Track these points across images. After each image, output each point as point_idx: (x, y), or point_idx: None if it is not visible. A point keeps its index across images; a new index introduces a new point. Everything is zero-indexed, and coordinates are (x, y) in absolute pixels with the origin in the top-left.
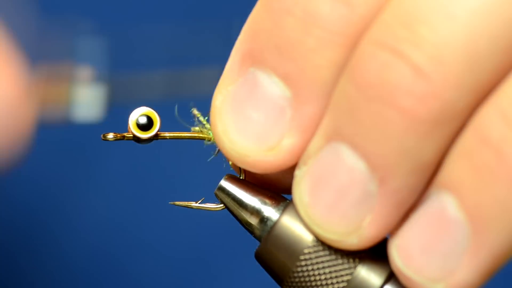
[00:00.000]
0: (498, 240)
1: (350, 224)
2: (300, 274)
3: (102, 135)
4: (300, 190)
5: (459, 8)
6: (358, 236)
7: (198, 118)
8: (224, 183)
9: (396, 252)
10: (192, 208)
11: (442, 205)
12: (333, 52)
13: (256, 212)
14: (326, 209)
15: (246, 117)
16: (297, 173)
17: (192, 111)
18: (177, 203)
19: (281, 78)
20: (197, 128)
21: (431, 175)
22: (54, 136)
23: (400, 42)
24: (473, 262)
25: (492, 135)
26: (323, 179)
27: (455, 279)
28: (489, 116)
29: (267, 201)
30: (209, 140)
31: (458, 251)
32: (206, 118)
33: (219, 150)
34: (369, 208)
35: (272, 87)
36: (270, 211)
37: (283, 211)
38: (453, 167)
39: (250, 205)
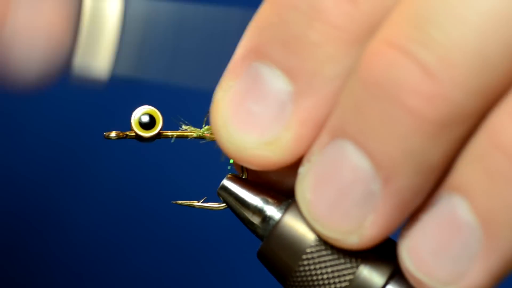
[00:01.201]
0: (510, 244)
1: (352, 223)
2: (303, 273)
3: (104, 134)
4: (303, 187)
5: (470, 11)
6: (359, 235)
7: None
8: (227, 183)
9: (407, 254)
10: (194, 207)
11: (454, 208)
12: (336, 47)
13: (258, 211)
14: (328, 207)
15: (246, 110)
16: (301, 170)
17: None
18: (179, 202)
19: (284, 71)
20: (205, 127)
21: (438, 177)
22: (55, 135)
23: (409, 41)
24: (484, 266)
25: (505, 139)
26: (326, 176)
27: (466, 282)
28: (501, 120)
29: (269, 200)
30: (212, 140)
31: (469, 254)
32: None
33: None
34: (371, 207)
35: (274, 81)
36: (272, 210)
37: (285, 210)
38: (465, 171)
39: (252, 204)
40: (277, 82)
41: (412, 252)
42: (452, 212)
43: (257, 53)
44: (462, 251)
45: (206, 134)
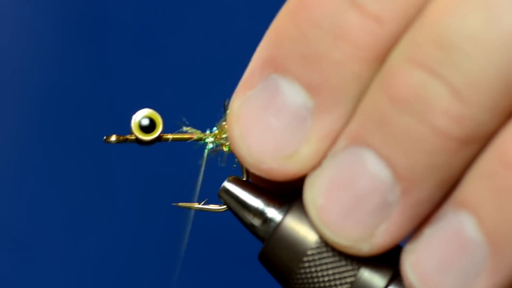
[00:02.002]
0: None
1: (364, 231)
2: (303, 275)
3: (104, 138)
4: (314, 191)
5: (492, 35)
6: (370, 243)
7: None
8: (228, 185)
9: (411, 269)
10: (195, 209)
11: (460, 224)
12: (360, 66)
13: (259, 213)
14: (341, 214)
15: (265, 123)
16: (311, 174)
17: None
18: (180, 204)
19: (305, 86)
20: (209, 132)
21: (449, 190)
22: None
23: (438, 64)
24: (489, 283)
25: None
26: (342, 182)
27: None
28: (511, 138)
29: (270, 202)
30: (213, 143)
31: (475, 271)
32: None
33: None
34: (385, 216)
35: (294, 95)
36: (273, 212)
37: (286, 212)
38: (473, 187)
39: (253, 206)
40: (296, 97)
41: (416, 268)
42: (458, 228)
43: (276, 66)
44: (468, 268)
45: (208, 136)
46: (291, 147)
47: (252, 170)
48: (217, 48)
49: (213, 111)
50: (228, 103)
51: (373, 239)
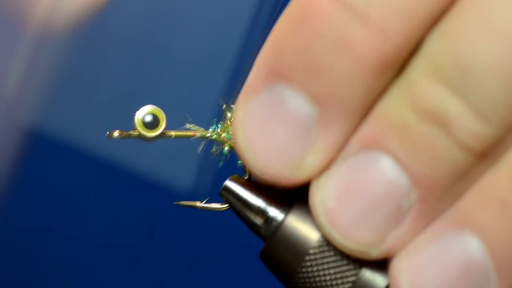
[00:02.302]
0: None
1: (375, 237)
2: (305, 274)
3: (107, 133)
4: (323, 194)
5: (507, 65)
6: (379, 249)
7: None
8: (229, 183)
9: None
10: (197, 208)
11: (466, 245)
12: (366, 77)
13: (261, 212)
14: (354, 219)
15: (271, 133)
16: (319, 176)
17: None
18: (182, 203)
19: (309, 96)
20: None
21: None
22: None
23: (458, 83)
24: None
25: None
26: (355, 186)
27: None
28: None
29: (271, 201)
30: (217, 140)
31: None
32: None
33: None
34: (397, 223)
35: (299, 105)
36: (275, 211)
37: (288, 211)
38: (479, 208)
39: (255, 205)
40: (301, 106)
41: None
42: (463, 249)
43: (280, 75)
44: None
45: (210, 134)
46: (297, 156)
47: (259, 176)
48: (221, 44)
49: (216, 108)
50: (230, 102)
51: (383, 245)
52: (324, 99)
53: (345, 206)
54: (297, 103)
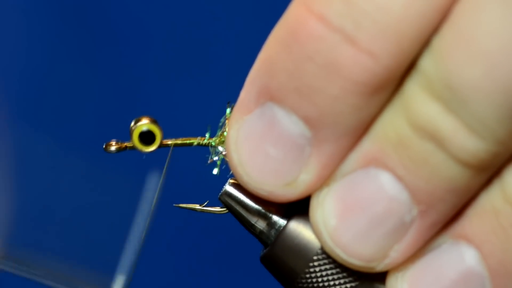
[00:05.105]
0: None
1: (378, 253)
2: (309, 279)
3: (104, 146)
4: (325, 212)
5: (493, 85)
6: (383, 263)
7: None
8: (229, 188)
9: None
10: (196, 211)
11: (462, 257)
12: (358, 99)
13: (263, 217)
14: (356, 236)
15: (264, 152)
16: (317, 193)
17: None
18: (181, 205)
19: (302, 118)
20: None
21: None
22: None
23: (450, 101)
24: None
25: None
26: (357, 204)
27: None
28: None
29: (271, 205)
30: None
31: None
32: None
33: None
34: (399, 237)
35: (291, 125)
36: (276, 215)
37: (291, 215)
38: (476, 222)
39: (256, 209)
40: (294, 127)
41: None
42: (460, 261)
43: (272, 96)
44: None
45: (208, 140)
46: (290, 175)
47: (254, 193)
48: (217, 50)
49: (214, 116)
50: (229, 106)
51: (386, 259)
52: (315, 120)
53: (347, 223)
54: (290, 123)
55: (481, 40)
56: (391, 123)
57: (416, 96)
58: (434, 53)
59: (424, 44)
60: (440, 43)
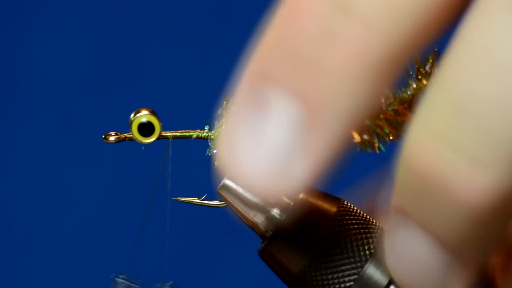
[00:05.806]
0: None
1: None
2: (307, 273)
3: (103, 137)
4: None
5: (508, 102)
6: None
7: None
8: (228, 182)
9: None
10: (194, 204)
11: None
12: (355, 74)
13: (261, 210)
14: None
15: (256, 139)
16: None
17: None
18: (179, 198)
19: (296, 97)
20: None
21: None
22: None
23: (455, 130)
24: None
25: None
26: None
27: None
28: None
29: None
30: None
31: None
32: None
33: None
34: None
35: (285, 108)
36: (275, 209)
37: (290, 209)
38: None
39: (255, 203)
40: (288, 110)
41: None
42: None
43: (264, 77)
44: None
45: (207, 135)
46: (284, 164)
47: (244, 188)
48: (218, 42)
49: (214, 108)
50: (224, 106)
51: None
52: (311, 98)
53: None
54: (284, 106)
55: (494, 51)
56: (402, 172)
57: (415, 140)
58: (444, 73)
59: (422, 32)
60: (452, 60)
